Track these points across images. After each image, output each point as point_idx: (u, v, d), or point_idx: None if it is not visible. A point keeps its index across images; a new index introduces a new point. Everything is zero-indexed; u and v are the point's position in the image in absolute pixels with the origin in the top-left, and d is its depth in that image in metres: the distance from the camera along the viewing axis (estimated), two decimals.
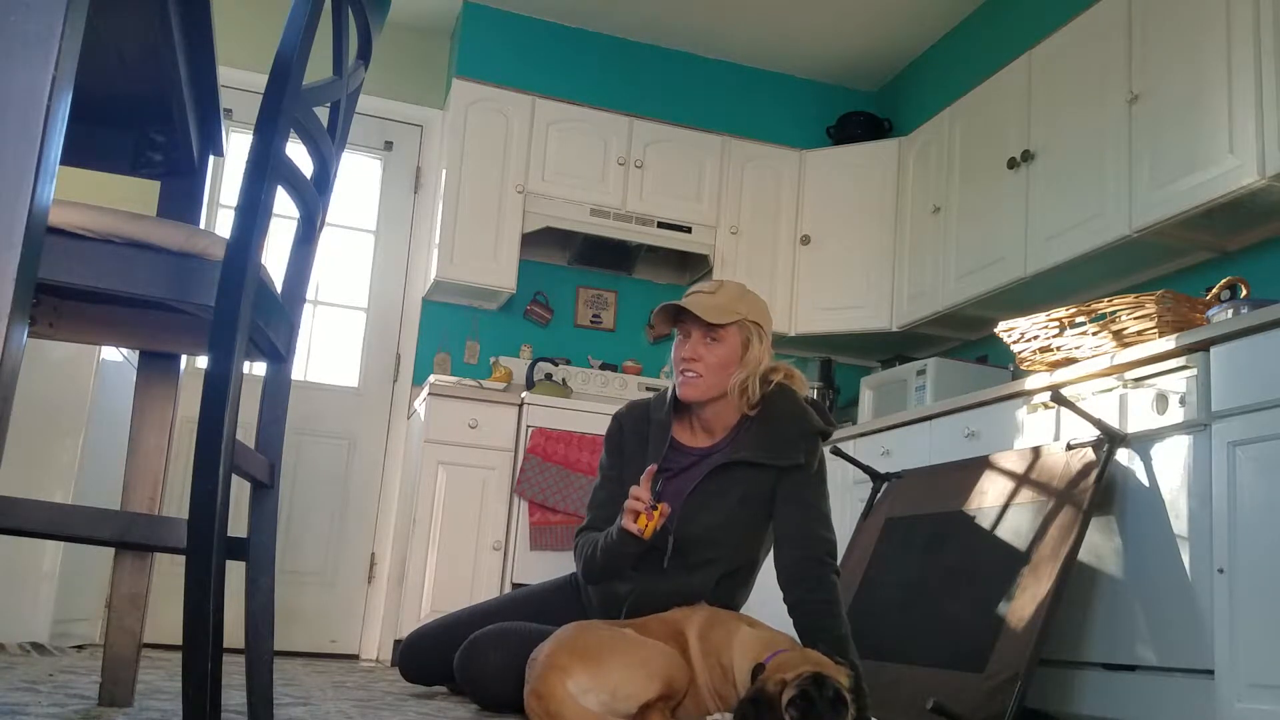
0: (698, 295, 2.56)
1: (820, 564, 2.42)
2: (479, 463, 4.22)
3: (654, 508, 2.36)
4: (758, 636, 2.20)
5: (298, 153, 1.44)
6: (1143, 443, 2.64)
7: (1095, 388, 2.84)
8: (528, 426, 4.23)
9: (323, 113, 1.58)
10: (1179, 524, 2.49)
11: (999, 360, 4.16)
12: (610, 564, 2.50)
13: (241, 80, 4.50)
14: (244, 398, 1.29)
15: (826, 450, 2.84)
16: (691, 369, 2.52)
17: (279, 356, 1.57)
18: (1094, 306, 2.99)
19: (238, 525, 1.35)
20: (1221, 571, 2.34)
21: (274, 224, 1.42)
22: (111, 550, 1.98)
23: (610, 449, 2.68)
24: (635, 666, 2.04)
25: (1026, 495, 2.84)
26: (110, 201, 1.52)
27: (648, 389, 4.84)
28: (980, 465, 3.09)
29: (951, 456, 3.36)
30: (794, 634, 2.42)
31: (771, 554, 2.55)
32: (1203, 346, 2.51)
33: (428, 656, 2.69)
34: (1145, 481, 2.61)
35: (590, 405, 4.32)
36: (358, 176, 5.01)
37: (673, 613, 2.32)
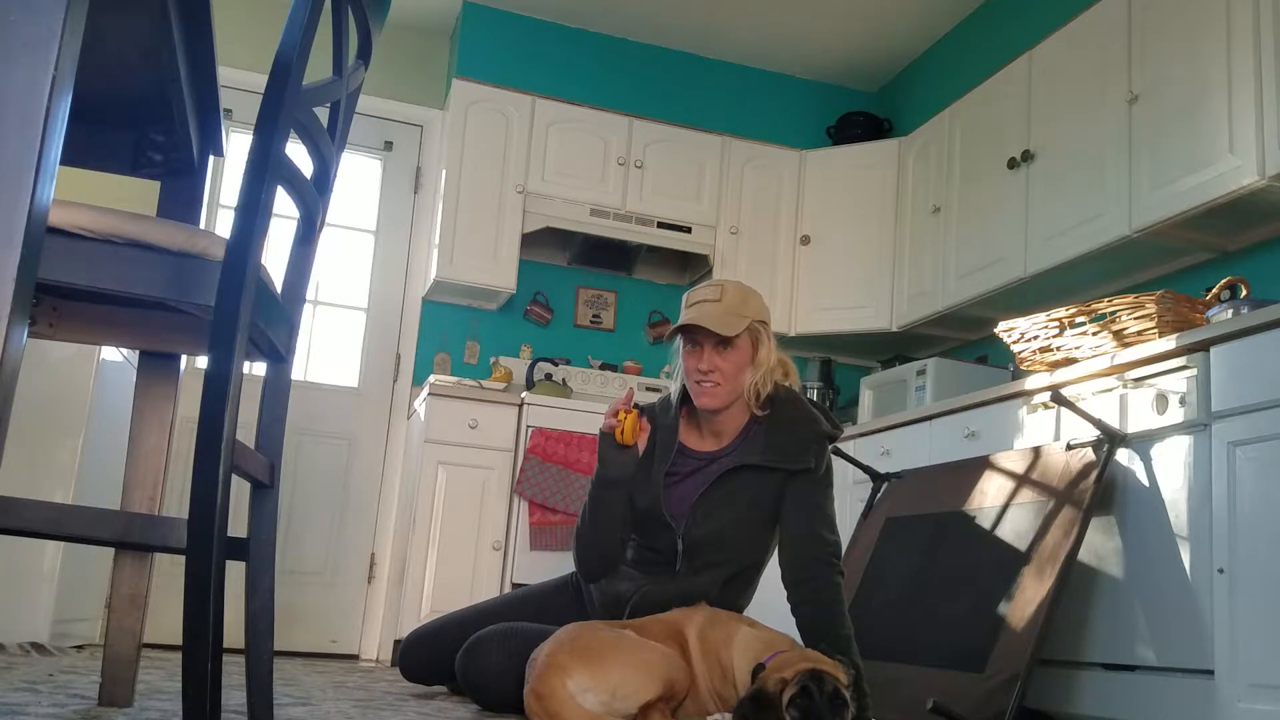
0: (704, 305, 2.51)
1: (825, 565, 2.42)
2: (479, 463, 4.22)
3: (639, 410, 2.48)
4: (757, 636, 2.20)
5: (298, 153, 1.44)
6: (1143, 443, 2.64)
7: (1095, 388, 2.84)
8: (528, 426, 4.23)
9: (323, 113, 1.58)
10: (1179, 524, 2.49)
11: (999, 360, 4.16)
12: (597, 498, 2.52)
13: (241, 80, 4.50)
14: (244, 398, 1.29)
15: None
16: (709, 379, 2.50)
17: (279, 356, 1.57)
18: (1094, 306, 2.99)
19: (238, 525, 1.35)
20: (1221, 571, 2.34)
21: (274, 224, 1.42)
22: (111, 550, 1.98)
23: None
24: (635, 667, 2.05)
25: (1026, 495, 2.83)
26: (110, 201, 1.52)
27: (648, 389, 4.84)
28: (980, 465, 3.09)
29: (951, 456, 3.36)
30: (796, 634, 2.42)
31: (776, 554, 2.55)
32: (1203, 346, 2.51)
33: (428, 656, 2.69)
34: (1145, 481, 2.61)
35: (590, 405, 4.31)
36: (358, 176, 5.01)
37: (672, 613, 2.32)
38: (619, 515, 2.54)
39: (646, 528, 2.56)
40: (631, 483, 2.55)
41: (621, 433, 2.45)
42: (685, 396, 2.62)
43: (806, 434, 2.52)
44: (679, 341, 2.57)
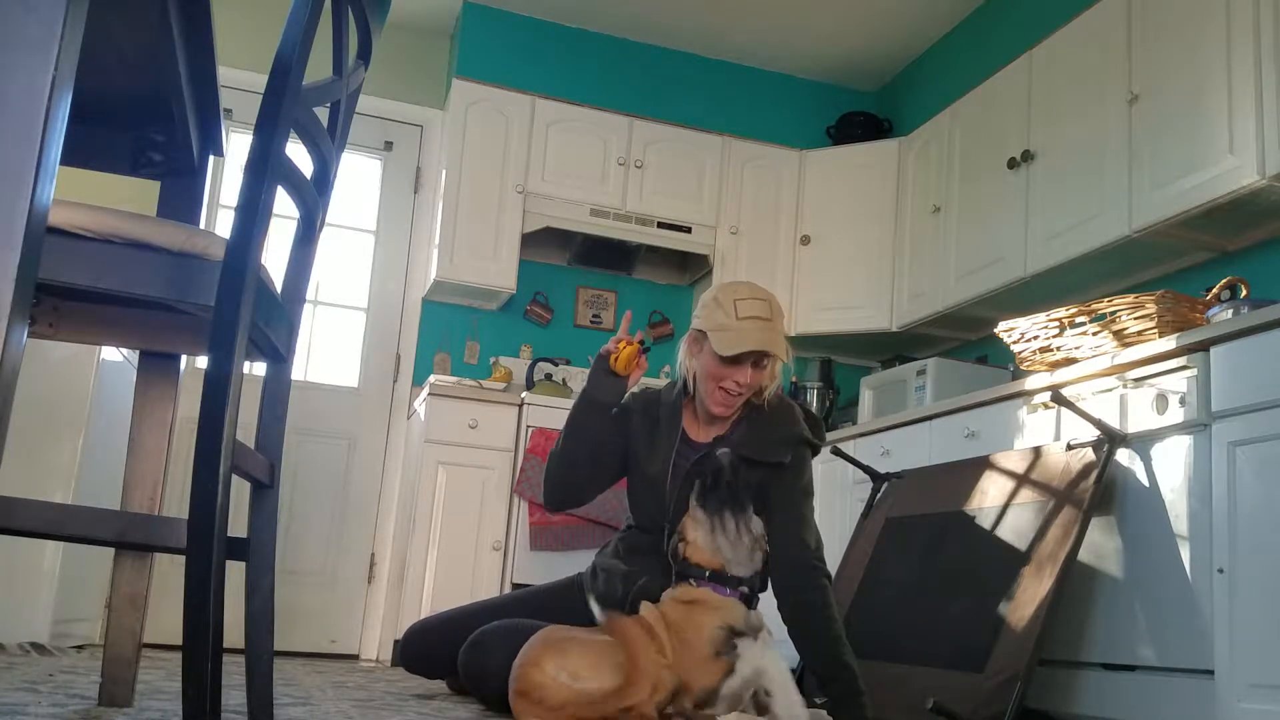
0: (759, 323, 2.47)
1: (810, 569, 2.45)
2: (479, 463, 4.22)
3: (644, 347, 2.53)
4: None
5: (298, 153, 1.44)
6: (1143, 443, 2.64)
7: (1095, 388, 2.84)
8: (528, 426, 4.23)
9: (323, 113, 1.58)
10: (1179, 524, 2.49)
11: (999, 360, 4.16)
12: (574, 419, 2.57)
13: (241, 80, 4.50)
14: (244, 398, 1.29)
15: (826, 450, 2.85)
16: (737, 391, 2.52)
17: (279, 356, 1.57)
18: (1094, 306, 2.99)
19: (238, 525, 1.35)
20: (1221, 571, 2.34)
21: (274, 224, 1.42)
22: (111, 550, 1.98)
23: (614, 416, 2.67)
24: (592, 655, 2.11)
25: (1026, 495, 2.83)
26: (110, 201, 1.52)
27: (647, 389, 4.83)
28: (980, 465, 3.09)
29: (951, 456, 3.36)
30: (789, 637, 2.43)
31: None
32: (1203, 346, 2.51)
33: (430, 649, 2.70)
34: (1145, 481, 2.61)
35: None
36: (358, 176, 5.01)
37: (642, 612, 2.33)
38: (592, 443, 2.57)
39: (647, 498, 2.58)
40: (612, 420, 2.60)
41: (616, 359, 2.51)
42: (686, 389, 2.63)
43: (784, 433, 2.56)
44: (707, 350, 2.52)
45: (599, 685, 2.04)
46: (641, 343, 2.55)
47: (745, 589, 2.27)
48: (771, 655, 2.21)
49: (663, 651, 2.15)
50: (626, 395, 2.68)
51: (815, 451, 2.63)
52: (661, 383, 4.81)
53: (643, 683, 2.07)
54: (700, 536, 2.30)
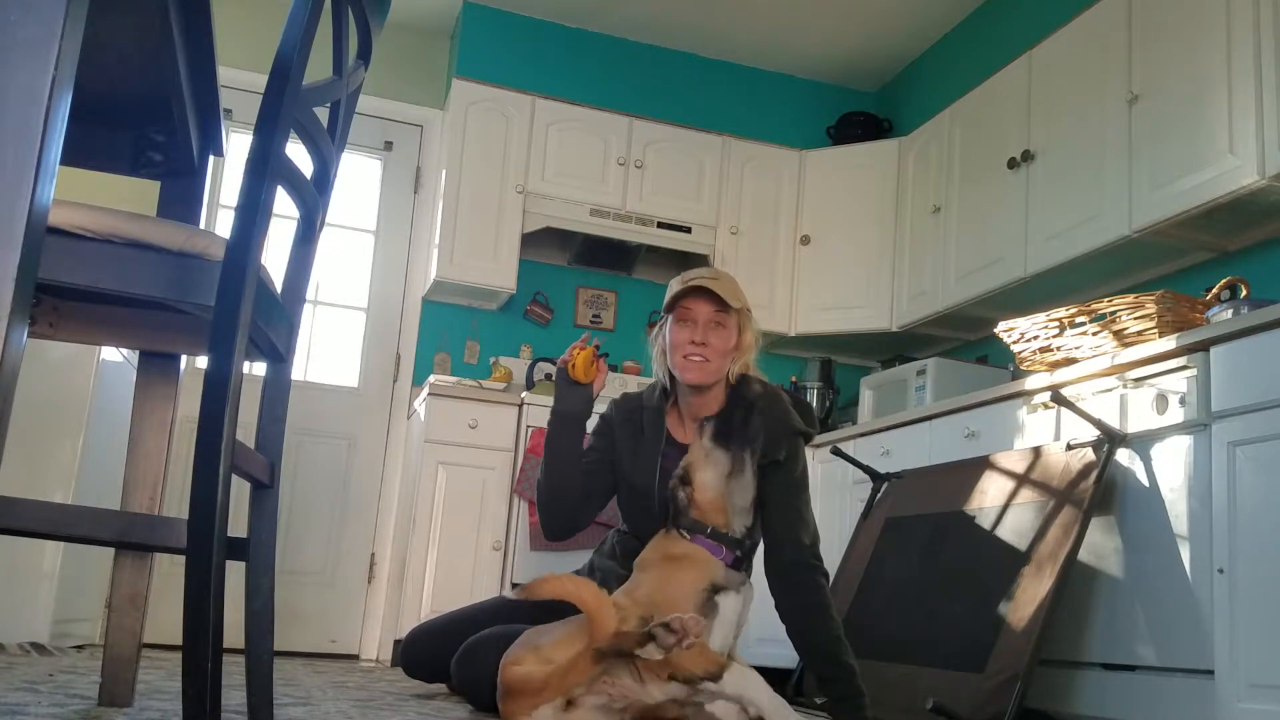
0: (704, 280, 2.54)
1: (807, 568, 2.42)
2: (479, 463, 4.22)
3: (597, 351, 2.53)
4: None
5: (298, 153, 1.44)
6: (1143, 443, 2.64)
7: (1095, 388, 2.84)
8: (528, 426, 4.23)
9: (323, 113, 1.58)
10: (1179, 524, 2.49)
11: (999, 360, 4.16)
12: (550, 435, 2.56)
13: (241, 80, 4.50)
14: (244, 398, 1.29)
15: (826, 450, 2.84)
16: (699, 353, 2.51)
17: (279, 356, 1.57)
18: (1094, 306, 2.99)
19: (238, 525, 1.35)
20: (1221, 571, 2.34)
21: (274, 224, 1.42)
22: (111, 550, 1.98)
23: (598, 433, 2.68)
24: (562, 637, 2.14)
25: (1026, 495, 2.84)
26: (110, 201, 1.52)
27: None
28: (980, 465, 3.09)
29: (951, 456, 3.36)
30: (787, 637, 2.43)
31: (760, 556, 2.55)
32: (1203, 346, 2.51)
33: (430, 653, 2.70)
34: (1145, 481, 2.61)
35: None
36: (358, 176, 5.01)
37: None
38: (573, 459, 2.56)
39: (636, 509, 2.57)
40: (586, 427, 2.59)
41: (573, 367, 2.51)
42: (666, 393, 2.62)
43: (777, 429, 2.52)
44: (667, 327, 2.56)
45: (567, 655, 2.06)
46: (597, 347, 2.56)
47: (739, 551, 2.25)
48: (750, 606, 2.21)
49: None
50: (608, 406, 2.69)
51: (808, 440, 2.61)
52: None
53: (603, 626, 2.06)
54: (710, 477, 2.25)
